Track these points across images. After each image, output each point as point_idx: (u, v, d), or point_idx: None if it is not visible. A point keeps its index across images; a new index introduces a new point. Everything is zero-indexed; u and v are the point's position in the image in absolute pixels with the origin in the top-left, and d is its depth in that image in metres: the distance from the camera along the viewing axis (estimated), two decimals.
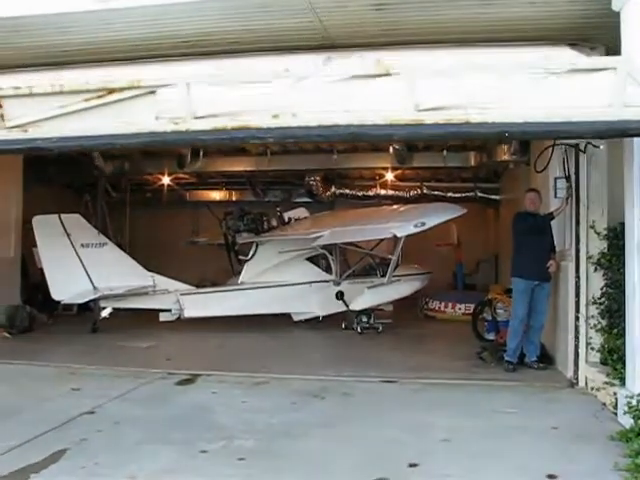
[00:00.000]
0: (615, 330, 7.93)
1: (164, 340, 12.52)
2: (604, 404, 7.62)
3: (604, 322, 8.44)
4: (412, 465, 5.77)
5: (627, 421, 6.55)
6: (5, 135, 6.16)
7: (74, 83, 6.06)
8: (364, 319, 13.41)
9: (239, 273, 13.93)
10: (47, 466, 5.79)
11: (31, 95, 6.06)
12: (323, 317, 13.75)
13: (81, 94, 5.94)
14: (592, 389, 8.16)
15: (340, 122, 5.72)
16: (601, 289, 8.52)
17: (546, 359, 9.80)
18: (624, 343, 7.20)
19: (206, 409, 7.65)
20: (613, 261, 8.16)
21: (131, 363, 10.10)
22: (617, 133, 6.52)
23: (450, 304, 15.56)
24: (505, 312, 10.98)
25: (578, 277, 8.73)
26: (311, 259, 13.95)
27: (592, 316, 8.60)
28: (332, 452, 6.18)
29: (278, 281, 13.50)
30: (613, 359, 7.86)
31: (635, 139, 6.45)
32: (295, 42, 8.37)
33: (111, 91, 5.88)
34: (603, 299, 8.48)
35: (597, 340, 8.55)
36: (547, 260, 9.45)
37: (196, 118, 5.85)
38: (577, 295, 8.75)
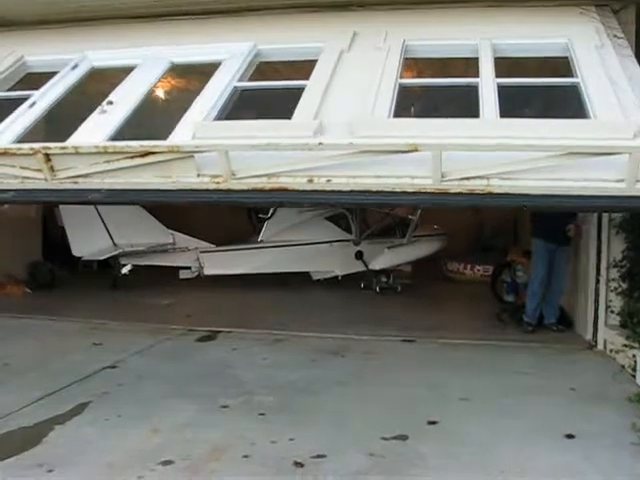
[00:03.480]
0: (636, 293, 7.90)
1: (184, 297, 12.59)
2: (623, 366, 7.62)
3: (624, 285, 8.40)
4: (431, 423, 5.84)
5: None
6: (57, 185, 6.23)
7: (117, 145, 6.08)
8: (383, 279, 13.46)
9: (259, 232, 13.95)
10: (71, 418, 5.94)
11: (77, 154, 6.12)
12: (342, 277, 13.79)
13: (124, 154, 6.00)
14: (611, 351, 8.18)
15: (371, 189, 5.76)
16: (622, 252, 8.46)
17: (565, 321, 9.79)
18: None
19: (227, 365, 7.75)
20: (635, 224, 8.10)
21: (151, 319, 10.22)
22: (629, 209, 6.72)
23: (469, 266, 15.52)
24: (524, 274, 10.95)
25: (599, 240, 8.68)
26: (331, 218, 13.91)
27: (612, 279, 8.55)
28: (352, 408, 6.26)
29: (298, 240, 13.50)
30: (633, 322, 7.85)
31: None
32: None
33: (153, 153, 5.94)
34: (624, 262, 8.42)
35: (617, 303, 8.52)
36: (567, 223, 9.40)
37: (235, 179, 5.89)
38: (598, 258, 8.71)
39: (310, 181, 5.82)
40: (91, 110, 6.99)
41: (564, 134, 5.73)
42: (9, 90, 7.77)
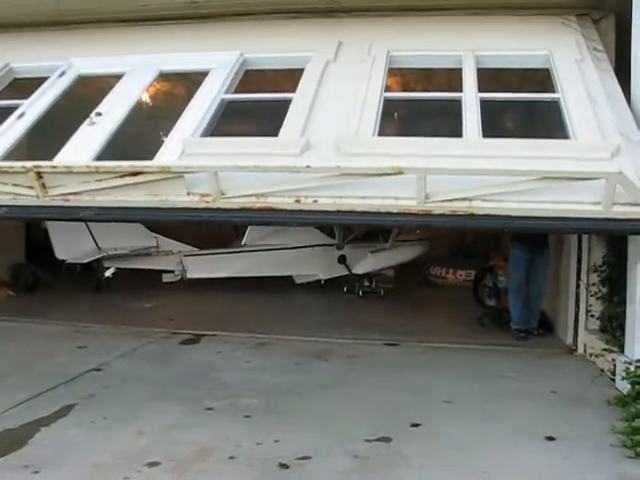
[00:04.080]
0: (615, 298, 7.98)
1: (167, 300, 12.57)
2: (602, 370, 7.72)
3: (604, 290, 8.49)
4: (414, 425, 5.89)
5: (624, 386, 6.66)
6: (48, 202, 6.35)
7: (108, 165, 6.23)
8: (366, 283, 13.52)
9: (242, 235, 13.93)
10: (56, 420, 5.94)
11: (69, 173, 6.18)
12: (325, 281, 13.82)
13: (114, 173, 6.08)
14: (591, 355, 8.28)
15: (357, 209, 5.93)
16: (602, 257, 8.55)
17: (546, 326, 9.89)
18: (624, 311, 7.26)
19: (211, 368, 7.77)
20: None
21: (135, 322, 10.21)
22: (606, 232, 7.08)
23: (451, 270, 15.61)
24: (506, 279, 11.05)
25: (580, 245, 8.78)
26: None
27: (593, 284, 8.64)
28: (336, 411, 6.29)
29: (281, 244, 13.50)
30: (612, 326, 7.92)
31: None
32: (303, 4, 8.34)
33: (143, 172, 6.01)
34: (604, 267, 8.51)
35: (597, 307, 8.61)
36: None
37: (224, 198, 5.99)
38: (579, 263, 8.81)
39: (297, 201, 5.95)
40: (80, 121, 7.07)
41: (544, 154, 5.88)
42: None
